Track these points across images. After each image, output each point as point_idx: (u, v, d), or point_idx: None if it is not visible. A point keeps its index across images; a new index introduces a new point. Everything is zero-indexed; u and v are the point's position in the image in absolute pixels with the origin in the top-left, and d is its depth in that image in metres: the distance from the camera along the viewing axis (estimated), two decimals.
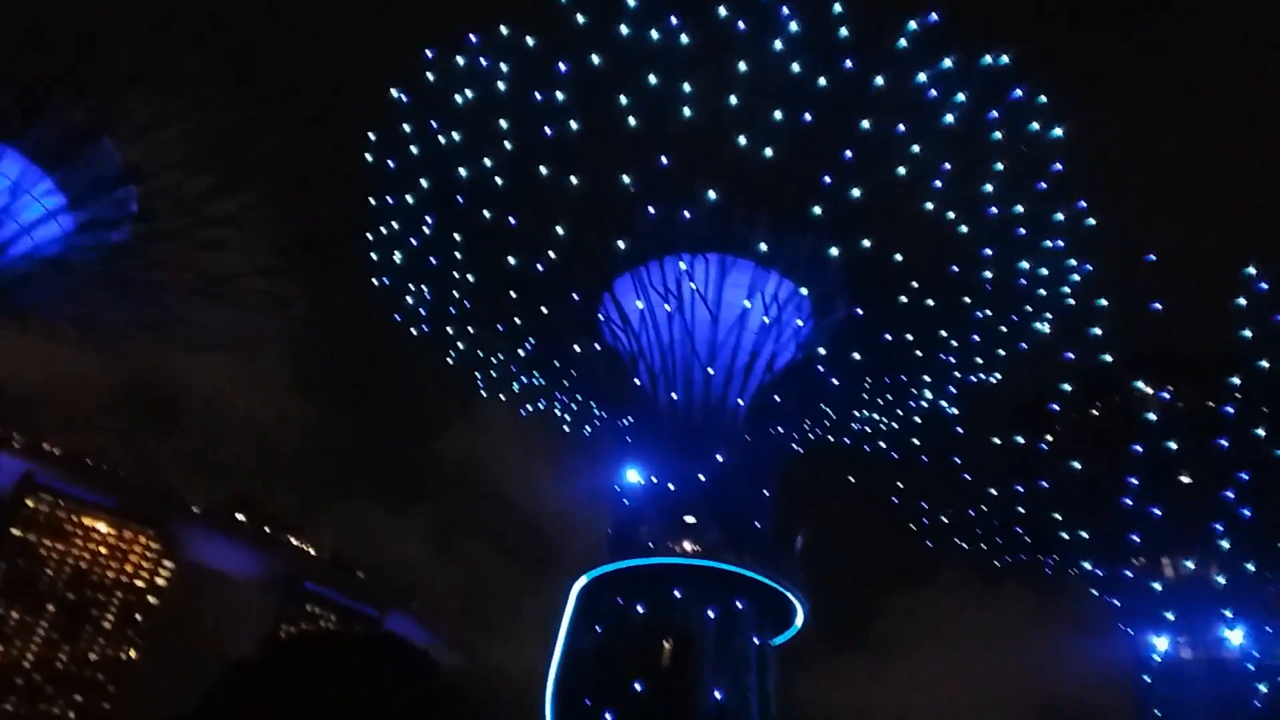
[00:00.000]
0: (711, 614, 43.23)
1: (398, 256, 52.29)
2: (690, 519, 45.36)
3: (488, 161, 47.66)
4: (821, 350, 50.52)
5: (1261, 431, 56.36)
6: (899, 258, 47.79)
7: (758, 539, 45.57)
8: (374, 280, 53.64)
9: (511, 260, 49.03)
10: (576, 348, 52.32)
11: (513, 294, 51.10)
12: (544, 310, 51.35)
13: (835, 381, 52.68)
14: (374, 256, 52.97)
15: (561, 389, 58.10)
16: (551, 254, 48.69)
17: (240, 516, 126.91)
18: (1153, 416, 58.47)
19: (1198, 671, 56.44)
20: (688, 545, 44.44)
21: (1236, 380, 56.01)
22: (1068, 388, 59.87)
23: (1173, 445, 57.67)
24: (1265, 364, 54.44)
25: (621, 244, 47.70)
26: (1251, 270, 52.58)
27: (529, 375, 57.47)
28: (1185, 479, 57.83)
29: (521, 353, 55.15)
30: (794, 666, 59.68)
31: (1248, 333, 53.65)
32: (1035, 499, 62.66)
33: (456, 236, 50.24)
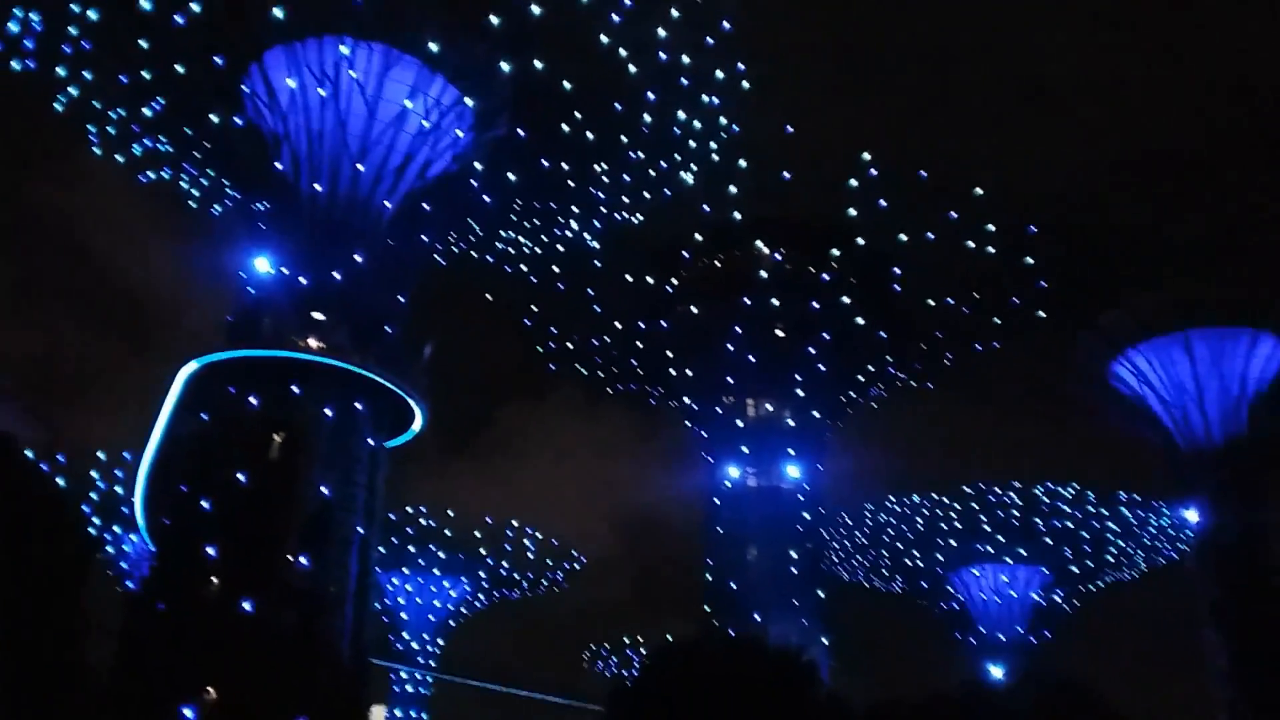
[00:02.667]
0: (329, 412, 42.96)
1: None
2: (319, 315, 44.09)
3: None
4: (478, 165, 50.07)
5: (847, 299, 64.69)
6: (568, 85, 47.89)
7: (386, 343, 45.42)
8: None
9: (145, 3, 43.18)
10: (214, 118, 47.79)
11: (143, 44, 45.17)
12: (179, 70, 46.08)
13: (487, 199, 52.74)
14: None
15: (191, 161, 52.94)
16: (195, 6, 43.42)
17: None
18: (764, 274, 64.89)
19: (759, 497, 65.64)
20: (313, 342, 43.38)
21: (836, 252, 63.40)
22: (699, 238, 64.58)
23: (775, 301, 64.56)
24: (862, 241, 61.94)
25: (278, 11, 43.51)
26: (867, 156, 58.66)
27: (154, 140, 51.66)
28: (779, 332, 65.30)
29: (148, 113, 49.30)
30: (406, 466, 61.47)
31: (853, 211, 60.36)
32: (654, 336, 67.90)
33: None
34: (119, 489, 67.67)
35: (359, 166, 46.14)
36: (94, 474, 69.77)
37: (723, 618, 61.81)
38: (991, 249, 59.61)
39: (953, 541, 78.37)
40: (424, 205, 49.18)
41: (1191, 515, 56.54)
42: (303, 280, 44.57)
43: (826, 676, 58.09)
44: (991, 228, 59.14)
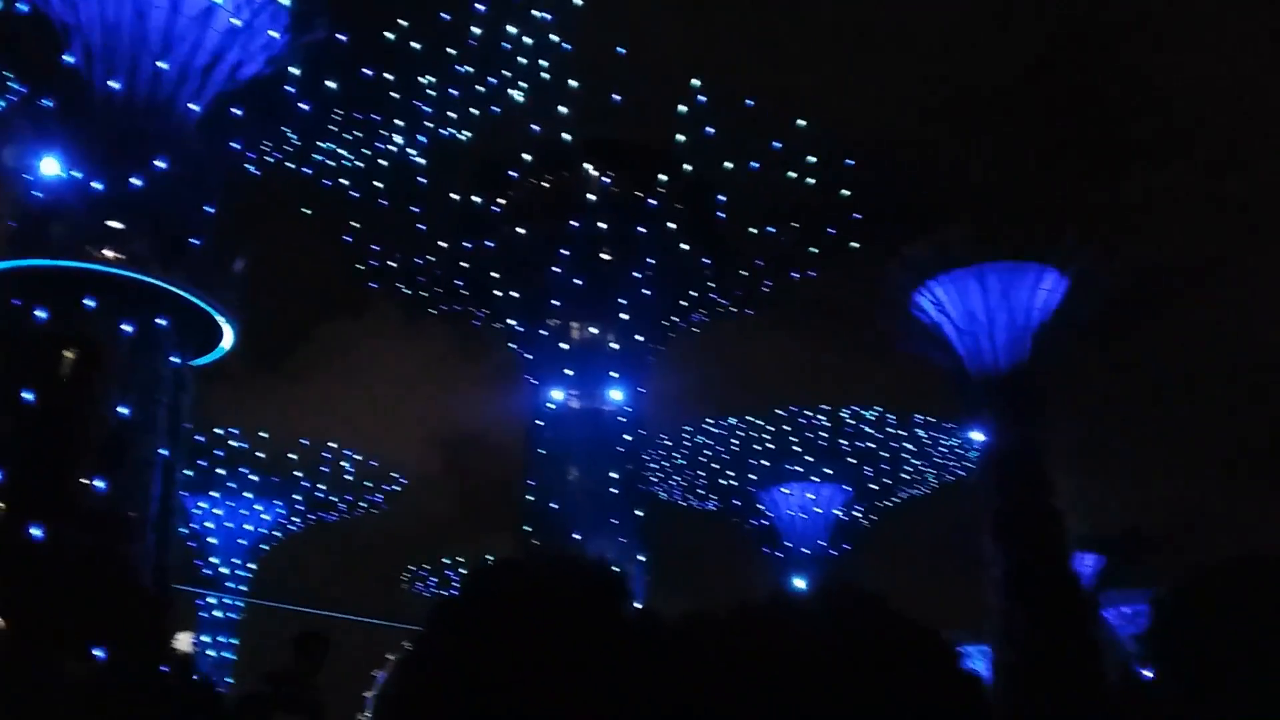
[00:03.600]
0: (128, 329, 40.41)
1: None
2: (116, 224, 41.17)
3: None
4: (294, 70, 47.43)
5: (673, 225, 65.64)
6: None
7: (192, 255, 42.91)
8: None
9: None
10: None
11: None
12: None
13: (304, 106, 50.16)
14: None
15: None
16: None
17: None
18: (592, 197, 64.90)
19: (581, 419, 66.55)
20: (109, 253, 40.50)
21: (664, 177, 64.04)
22: (528, 158, 63.75)
23: (603, 225, 64.82)
24: (689, 167, 62.78)
25: None
26: (697, 82, 59.15)
27: None
28: (605, 256, 65.72)
29: None
30: (215, 385, 58.75)
31: (681, 137, 60.99)
32: (479, 256, 66.98)
33: None
34: None
35: (161, 64, 42.84)
36: None
37: (543, 537, 62.81)
38: (811, 180, 61.65)
39: (765, 462, 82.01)
40: (235, 110, 46.25)
41: (978, 436, 61.23)
42: (97, 185, 41.35)
43: (642, 591, 60.27)
44: (812, 159, 61.08)
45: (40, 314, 39.39)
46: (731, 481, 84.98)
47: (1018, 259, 57.95)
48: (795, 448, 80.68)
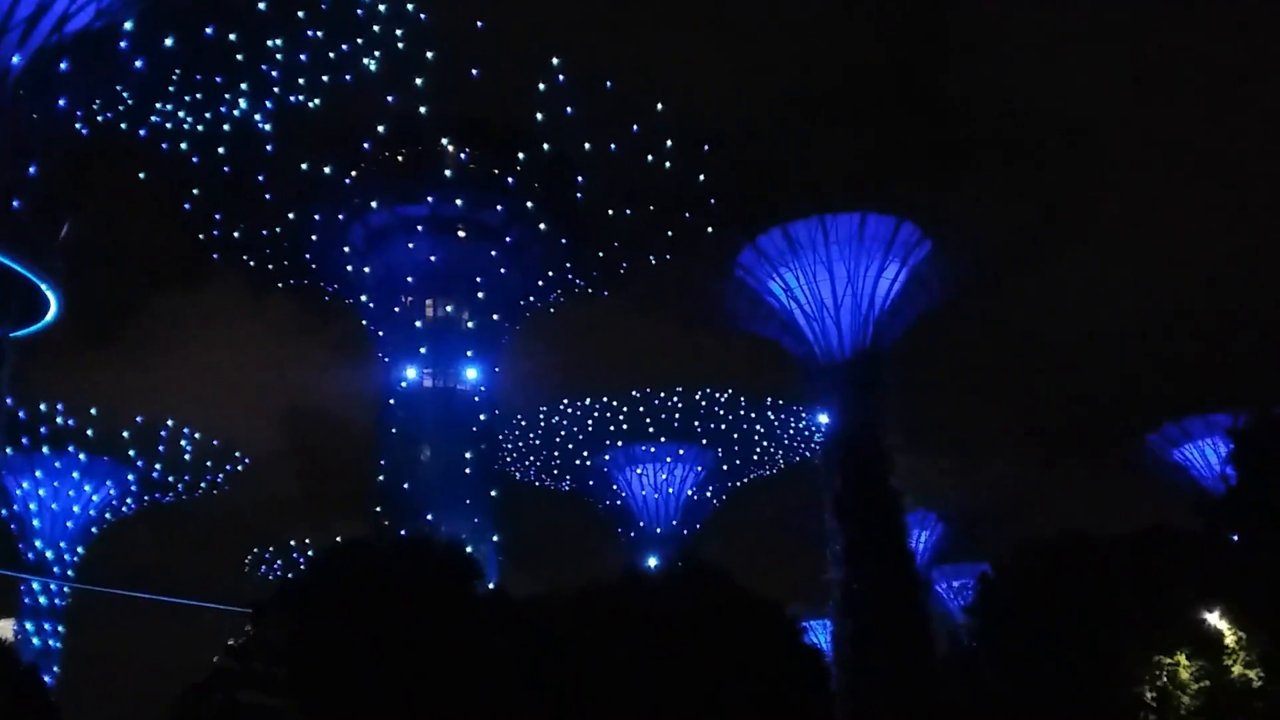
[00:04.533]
0: None
1: None
2: None
3: None
4: (128, 25, 44.66)
5: (530, 204, 65.30)
6: None
7: (12, 218, 39.99)
8: None
9: None
10: None
11: None
12: None
13: (139, 64, 47.34)
14: None
15: None
16: None
17: None
18: (449, 172, 63.82)
19: (435, 398, 65.65)
20: None
21: (522, 155, 63.53)
22: (382, 130, 62.01)
23: (459, 201, 63.91)
24: (548, 146, 62.39)
25: None
26: (557, 61, 58.73)
27: None
28: (461, 233, 64.87)
29: None
30: (38, 357, 55.12)
31: (540, 116, 60.49)
32: (329, 229, 64.95)
33: None
34: None
35: None
36: None
37: (394, 518, 61.77)
38: (669, 164, 62.27)
39: (619, 442, 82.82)
40: (61, 65, 43.22)
41: (823, 418, 63.54)
42: None
43: (495, 572, 60.09)
44: (670, 144, 61.68)
45: None
46: (586, 462, 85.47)
47: (883, 212, 59.99)
48: (650, 429, 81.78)
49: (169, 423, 76.11)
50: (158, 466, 78.53)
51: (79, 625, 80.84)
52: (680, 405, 79.96)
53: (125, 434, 75.20)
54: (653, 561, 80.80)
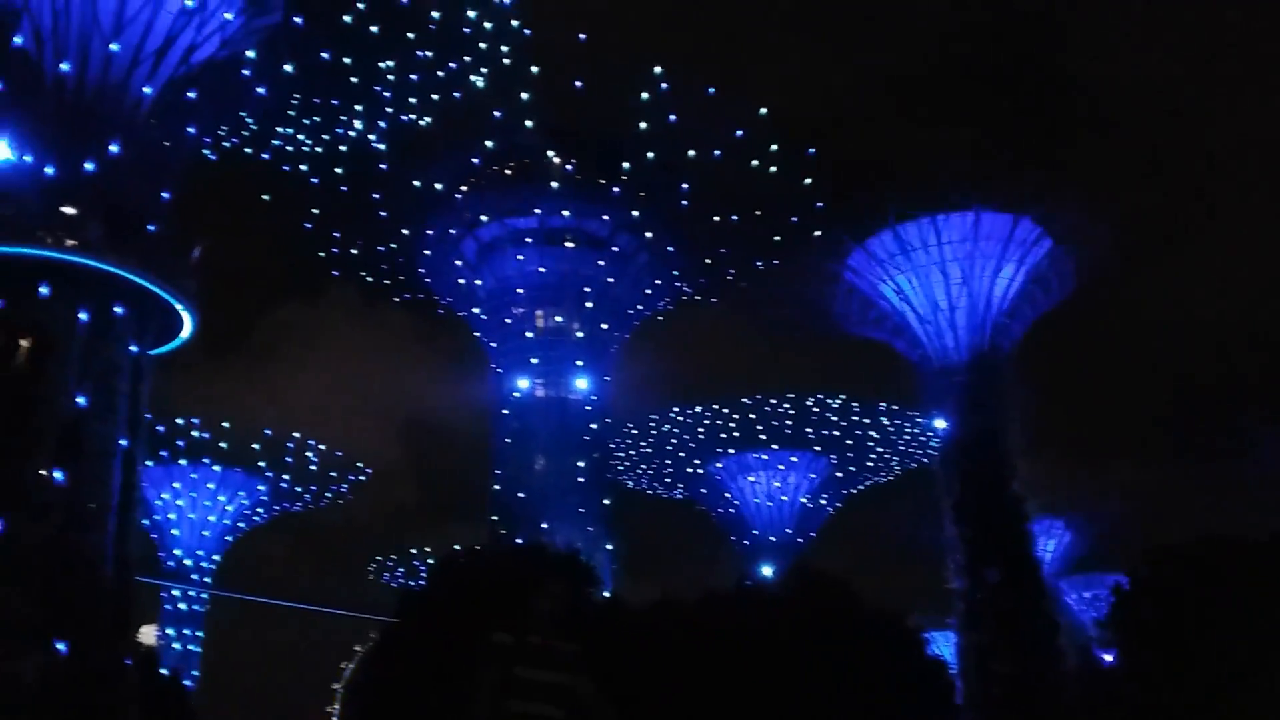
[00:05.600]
0: (84, 316, 39.57)
1: None
2: (70, 210, 40.23)
3: None
4: (250, 54, 46.61)
5: (636, 213, 65.47)
6: None
7: (149, 242, 42.03)
8: None
9: None
10: None
11: None
12: None
13: (261, 90, 49.33)
14: None
15: None
16: None
17: None
18: (555, 184, 64.56)
19: (547, 407, 66.39)
20: (63, 238, 39.60)
21: (627, 165, 63.75)
22: (490, 144, 63.16)
23: (566, 213, 64.58)
24: (652, 155, 62.47)
25: None
26: (659, 70, 58.86)
27: None
28: (569, 244, 65.60)
29: None
30: (174, 373, 57.84)
31: (645, 125, 60.67)
32: (442, 243, 66.46)
33: None
34: None
35: (112, 46, 41.88)
36: None
37: (510, 526, 62.63)
38: (773, 168, 61.64)
39: (731, 449, 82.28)
40: (189, 94, 45.35)
41: (940, 424, 61.73)
42: (49, 170, 40.39)
43: (609, 581, 60.27)
44: (775, 148, 61.07)
45: None
46: (698, 469, 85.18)
47: (997, 209, 57.97)
48: (761, 435, 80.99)
49: (295, 434, 78.98)
50: (286, 477, 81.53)
51: (216, 630, 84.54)
52: (791, 411, 78.99)
53: (255, 446, 78.27)
54: (768, 570, 79.97)
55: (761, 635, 31.84)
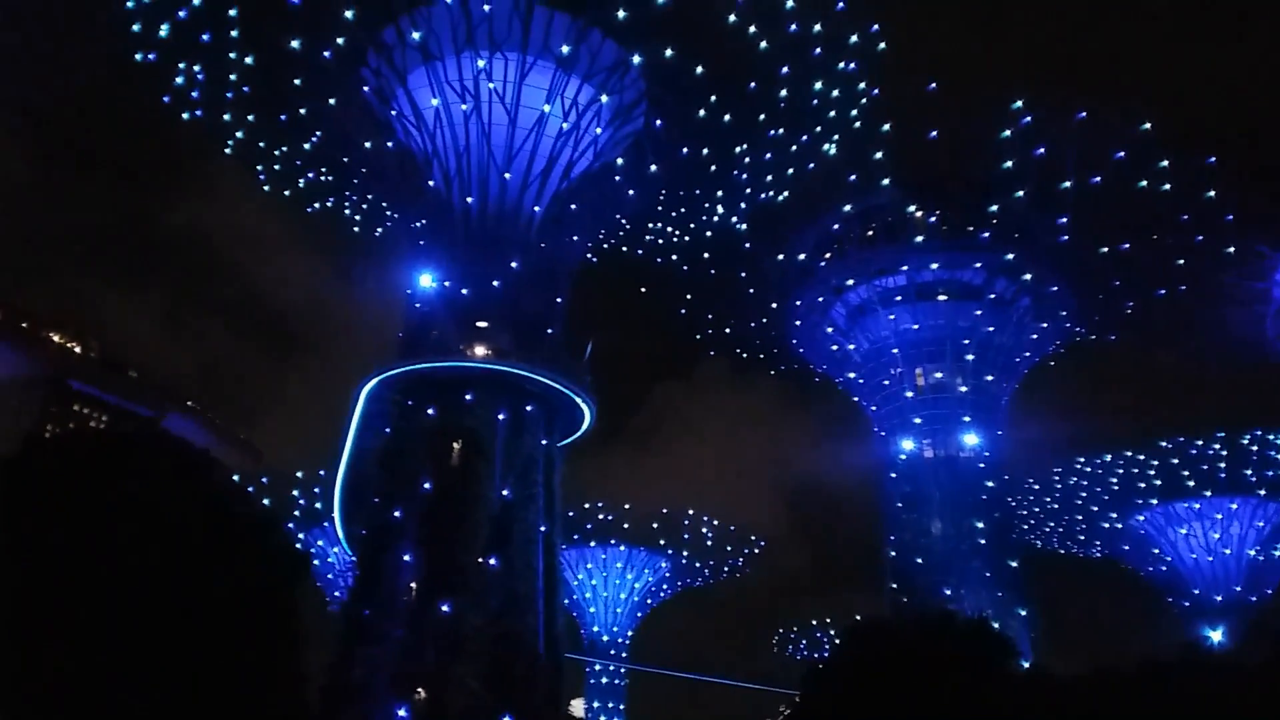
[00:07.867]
0: (501, 416, 44.35)
1: (164, 30, 47.15)
2: (483, 324, 45.69)
3: None
4: (619, 160, 50.56)
5: (1010, 256, 61.82)
6: (700, 70, 47.66)
7: (549, 344, 46.57)
8: (136, 55, 48.28)
9: (294, 44, 45.54)
10: (367, 145, 50.08)
11: (297, 82, 47.73)
12: (331, 102, 48.46)
13: (631, 193, 53.17)
14: (135, 28, 47.53)
15: (351, 188, 55.72)
16: (340, 40, 45.55)
17: None
18: (920, 239, 62.79)
19: (937, 467, 63.59)
20: (480, 350, 44.90)
21: (995, 207, 60.54)
22: (848, 209, 62.94)
23: (935, 266, 62.45)
24: (1021, 193, 58.85)
25: (415, 34, 45.15)
26: (1019, 104, 55.78)
27: (315, 172, 54.59)
28: (942, 297, 63.17)
29: (307, 147, 52.12)
30: (578, 462, 62.85)
31: (1009, 163, 57.46)
32: (811, 311, 66.84)
33: (231, 12, 45.84)
34: (318, 504, 72.02)
35: (505, 175, 47.41)
36: (295, 492, 74.61)
37: (908, 593, 60.34)
38: (1166, 185, 55.63)
39: (1153, 500, 73.85)
40: (571, 206, 50.03)
41: None
42: (464, 291, 46.20)
43: (1027, 649, 55.78)
44: (1164, 164, 55.18)
45: (430, 411, 44.25)
46: (1115, 524, 77.20)
47: None
48: (1189, 482, 71.94)
49: (690, 511, 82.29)
50: (685, 553, 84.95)
51: (636, 703, 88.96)
52: (1224, 452, 69.46)
53: (655, 525, 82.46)
54: (1215, 634, 70.11)
55: (1218, 707, 27.71)
